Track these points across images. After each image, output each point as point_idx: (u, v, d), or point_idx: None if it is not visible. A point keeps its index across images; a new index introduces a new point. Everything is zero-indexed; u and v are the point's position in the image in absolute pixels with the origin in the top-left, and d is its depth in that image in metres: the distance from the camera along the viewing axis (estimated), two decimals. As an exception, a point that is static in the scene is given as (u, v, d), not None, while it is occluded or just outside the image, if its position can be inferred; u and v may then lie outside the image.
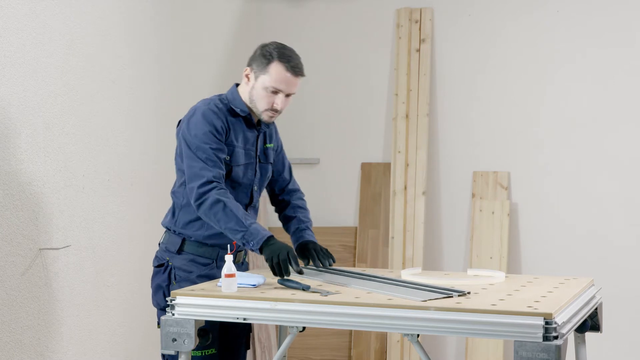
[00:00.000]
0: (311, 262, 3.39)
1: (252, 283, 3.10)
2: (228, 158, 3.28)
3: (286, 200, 3.60)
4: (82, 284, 4.05)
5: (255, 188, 3.41)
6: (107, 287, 4.24)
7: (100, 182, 4.18)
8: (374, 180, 5.64)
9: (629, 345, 5.04)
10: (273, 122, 3.48)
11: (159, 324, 3.29)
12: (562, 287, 3.07)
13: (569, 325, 2.72)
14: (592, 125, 5.14)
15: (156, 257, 3.43)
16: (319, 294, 2.94)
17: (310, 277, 3.29)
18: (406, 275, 3.32)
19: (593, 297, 3.18)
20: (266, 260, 3.12)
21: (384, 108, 5.63)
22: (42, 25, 3.78)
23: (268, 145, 3.48)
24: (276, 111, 3.30)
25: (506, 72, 5.34)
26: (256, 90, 3.28)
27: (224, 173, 3.24)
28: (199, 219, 3.30)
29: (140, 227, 4.48)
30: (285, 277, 3.10)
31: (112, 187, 4.27)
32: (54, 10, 3.85)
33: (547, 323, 2.54)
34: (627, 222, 5.05)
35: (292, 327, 3.00)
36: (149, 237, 4.48)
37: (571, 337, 3.04)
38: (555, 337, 2.54)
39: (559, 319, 2.59)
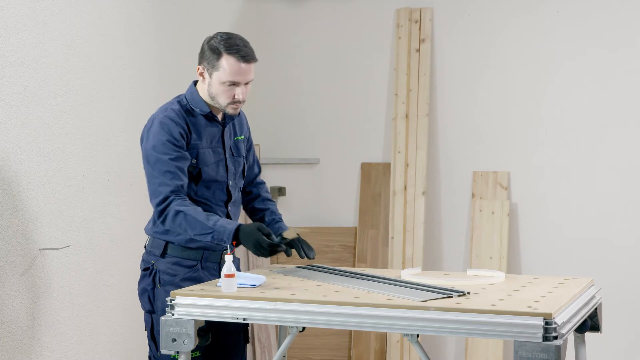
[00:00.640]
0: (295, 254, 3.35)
1: (252, 283, 3.10)
2: (194, 161, 3.27)
3: (254, 192, 3.60)
4: (82, 284, 4.05)
5: (231, 183, 3.39)
6: (107, 287, 4.24)
7: (100, 182, 4.18)
8: (374, 180, 5.64)
9: (628, 345, 5.04)
10: (240, 112, 3.45)
11: (146, 327, 3.36)
12: (562, 287, 3.07)
13: (568, 326, 2.72)
14: (592, 125, 5.14)
15: (142, 260, 3.43)
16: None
17: (309, 277, 3.30)
18: (406, 275, 3.32)
19: (593, 297, 3.18)
20: (248, 249, 3.17)
21: (384, 108, 5.63)
22: (42, 25, 3.78)
23: (238, 138, 3.46)
24: (239, 102, 3.27)
25: (506, 72, 5.34)
26: (214, 87, 3.25)
27: (184, 182, 3.22)
28: None
29: (140, 227, 4.46)
30: (273, 248, 3.15)
31: (112, 187, 4.27)
32: (54, 10, 3.86)
33: (546, 323, 2.54)
34: (627, 222, 5.05)
35: (292, 327, 3.00)
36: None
37: (571, 337, 3.04)
38: (555, 337, 2.54)
39: (558, 319, 2.59)
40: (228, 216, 3.41)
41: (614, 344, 5.01)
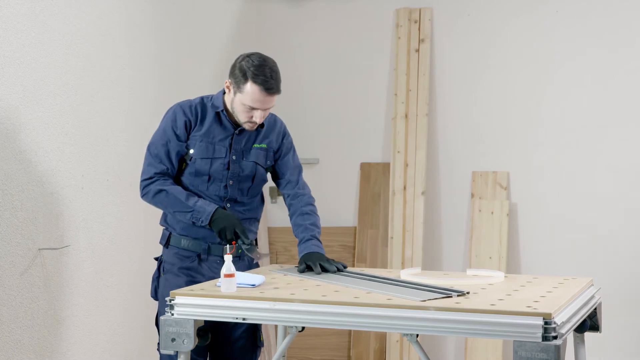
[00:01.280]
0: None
1: (252, 283, 3.10)
2: (192, 152, 3.43)
3: (294, 205, 3.63)
4: (81, 284, 4.04)
5: (231, 183, 3.46)
6: (107, 287, 4.24)
7: (100, 182, 4.18)
8: (374, 180, 5.64)
9: (628, 345, 5.04)
10: (278, 123, 3.60)
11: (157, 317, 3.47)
12: (562, 287, 3.07)
13: (568, 325, 2.72)
14: (592, 125, 5.14)
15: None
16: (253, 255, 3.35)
17: (308, 277, 3.30)
18: (405, 275, 3.32)
19: (592, 297, 3.18)
20: (217, 235, 3.36)
21: (383, 108, 5.63)
22: (41, 25, 3.78)
23: (257, 145, 3.52)
24: (255, 123, 3.40)
25: (505, 72, 5.35)
26: (235, 104, 3.39)
27: (171, 169, 3.45)
28: None
29: (139, 227, 4.48)
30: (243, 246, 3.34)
31: (112, 187, 4.27)
32: (54, 10, 3.85)
33: (546, 323, 2.54)
34: (627, 222, 5.05)
35: (291, 327, 3.00)
36: (148, 237, 4.48)
37: (570, 337, 3.04)
38: (555, 337, 2.54)
39: (558, 319, 2.59)
40: None
41: (613, 344, 5.01)
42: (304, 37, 5.77)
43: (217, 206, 3.37)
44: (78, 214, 4.02)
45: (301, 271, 3.38)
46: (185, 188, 3.46)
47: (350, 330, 5.47)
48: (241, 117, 3.38)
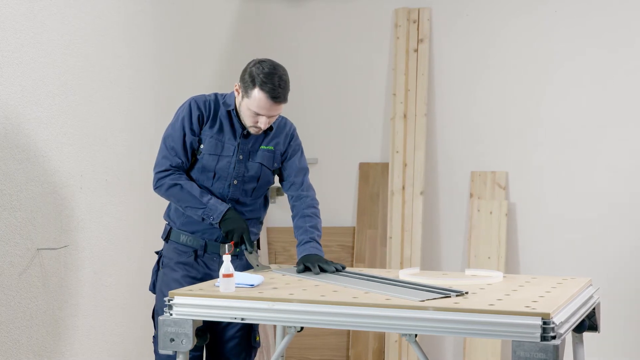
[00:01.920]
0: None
1: (250, 283, 3.10)
2: (202, 147, 3.46)
3: (297, 207, 3.64)
4: (80, 284, 4.04)
5: (235, 182, 3.48)
6: (105, 287, 4.24)
7: (99, 182, 4.18)
8: (372, 180, 5.64)
9: (626, 345, 5.05)
10: (287, 126, 3.63)
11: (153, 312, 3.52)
12: (560, 287, 3.07)
13: (566, 325, 2.72)
14: (591, 125, 5.14)
15: None
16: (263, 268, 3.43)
17: (307, 277, 3.30)
18: (404, 275, 3.32)
19: (591, 297, 3.18)
20: (224, 236, 3.42)
21: (382, 108, 5.63)
22: (40, 25, 3.78)
23: (264, 146, 3.52)
24: (260, 128, 3.42)
25: (504, 72, 5.35)
26: (242, 108, 3.42)
27: (185, 163, 3.47)
28: None
29: (138, 227, 4.48)
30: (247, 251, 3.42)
31: (110, 187, 4.27)
32: (52, 10, 3.85)
33: (544, 323, 2.55)
34: (625, 222, 5.05)
35: (290, 327, 3.00)
36: (146, 237, 4.48)
37: (569, 337, 3.05)
38: (553, 337, 2.54)
39: (556, 319, 2.59)
40: None
41: (612, 344, 5.01)
42: (303, 37, 5.77)
43: (229, 206, 3.41)
44: (77, 214, 4.02)
45: (299, 272, 3.38)
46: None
47: (349, 330, 5.47)
48: (247, 121, 3.41)
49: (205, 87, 5.03)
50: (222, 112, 3.48)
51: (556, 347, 2.51)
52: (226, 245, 3.16)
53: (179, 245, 3.51)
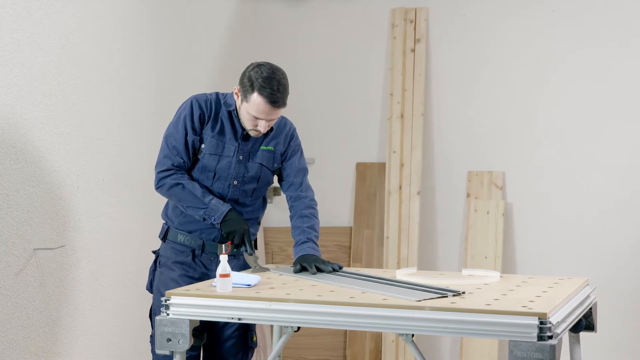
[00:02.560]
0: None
1: (247, 283, 3.10)
2: (203, 147, 3.45)
3: (295, 207, 3.64)
4: (76, 284, 4.04)
5: (235, 183, 3.48)
6: (102, 287, 4.23)
7: (95, 182, 4.17)
8: (369, 180, 5.64)
9: (623, 345, 5.05)
10: (287, 126, 3.62)
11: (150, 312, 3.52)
12: (557, 287, 3.07)
13: (563, 325, 2.72)
14: (588, 125, 5.15)
15: None
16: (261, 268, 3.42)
17: (304, 277, 3.30)
18: (401, 275, 3.32)
19: (587, 297, 3.18)
20: (225, 236, 3.41)
21: (379, 108, 5.63)
22: (37, 24, 3.77)
23: (264, 147, 3.52)
24: (260, 131, 3.42)
25: (501, 72, 5.35)
26: (241, 111, 3.41)
27: (187, 162, 3.46)
28: None
29: (135, 227, 4.48)
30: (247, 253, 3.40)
31: (107, 187, 4.26)
32: (49, 9, 3.85)
33: (541, 323, 2.55)
34: (622, 222, 5.06)
35: (287, 327, 3.00)
36: (143, 237, 4.48)
37: (566, 337, 3.05)
38: (550, 337, 2.54)
39: (553, 319, 2.59)
40: None
41: (608, 344, 5.01)
42: (300, 37, 5.77)
43: (230, 206, 3.41)
44: (73, 214, 4.01)
45: (296, 272, 3.38)
46: None
47: (345, 330, 5.47)
48: (246, 124, 3.41)
49: (202, 87, 5.03)
50: (223, 112, 3.47)
51: (553, 347, 2.51)
52: (223, 246, 3.16)
53: (176, 244, 3.51)
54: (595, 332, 3.28)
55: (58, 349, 3.92)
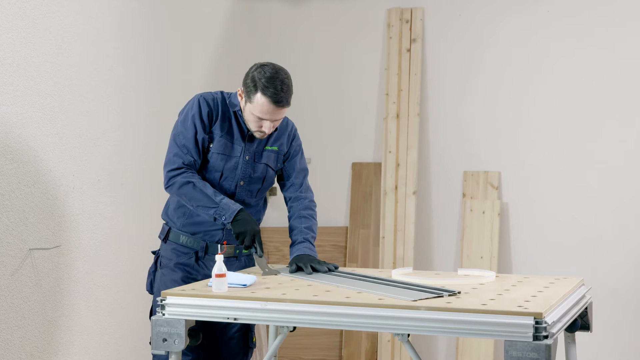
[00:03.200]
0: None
1: (243, 283, 3.10)
2: (211, 145, 3.41)
3: (294, 208, 3.63)
4: (72, 284, 4.04)
5: (242, 183, 3.47)
6: (98, 287, 4.23)
7: (91, 182, 4.17)
8: (365, 180, 5.65)
9: (618, 344, 5.06)
10: (289, 126, 3.61)
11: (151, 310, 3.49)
12: (552, 287, 3.08)
13: (559, 325, 2.72)
14: (584, 125, 5.15)
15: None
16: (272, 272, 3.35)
17: (299, 277, 3.30)
18: (397, 275, 3.32)
19: (583, 297, 3.19)
20: (235, 237, 3.34)
21: (375, 108, 5.63)
22: (32, 24, 3.77)
23: (268, 147, 3.52)
24: (265, 132, 3.39)
25: (497, 72, 5.35)
26: (245, 112, 3.40)
27: (198, 161, 3.42)
28: (182, 206, 3.47)
29: (131, 227, 4.47)
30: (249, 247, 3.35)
31: (102, 187, 4.26)
32: (44, 9, 3.84)
33: (537, 322, 2.55)
34: (618, 222, 5.06)
35: (283, 326, 3.00)
36: (139, 236, 4.48)
37: (561, 337, 3.05)
38: (545, 337, 2.55)
39: (549, 319, 2.60)
40: None
41: (604, 343, 5.02)
42: (296, 36, 5.77)
43: (241, 206, 3.35)
44: (69, 214, 4.01)
45: (292, 272, 3.38)
46: None
47: (341, 330, 5.47)
48: (251, 125, 3.39)
49: (197, 87, 5.02)
50: (229, 111, 3.45)
51: (548, 347, 2.52)
52: (219, 246, 3.16)
53: (178, 245, 3.48)
54: (591, 332, 3.29)
55: (54, 349, 3.92)
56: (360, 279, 3.23)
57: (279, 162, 3.58)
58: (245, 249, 3.34)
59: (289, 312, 2.87)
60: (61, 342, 3.97)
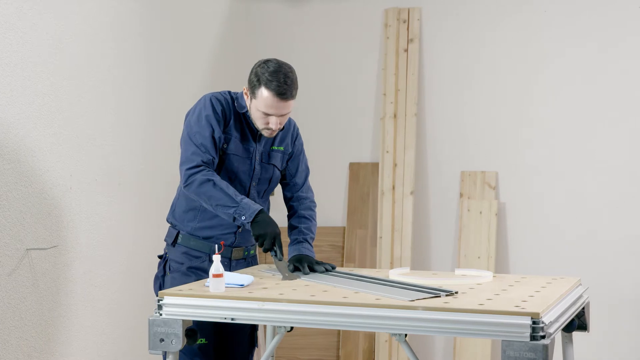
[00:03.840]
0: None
1: (240, 283, 3.10)
2: (225, 146, 3.38)
3: (294, 207, 3.62)
4: (69, 284, 4.03)
5: (254, 184, 3.46)
6: (95, 287, 4.23)
7: (88, 182, 4.17)
8: (362, 180, 5.65)
9: (615, 344, 5.06)
10: (292, 126, 3.60)
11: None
12: (550, 287, 3.08)
13: (556, 325, 2.72)
14: (580, 125, 5.15)
15: (164, 249, 3.57)
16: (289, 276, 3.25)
17: (298, 277, 3.30)
18: (394, 275, 3.32)
19: (580, 297, 3.19)
20: (254, 238, 3.25)
21: (372, 108, 5.63)
22: (29, 24, 3.76)
23: (275, 147, 3.51)
24: (272, 129, 3.36)
25: (494, 72, 5.36)
26: (252, 110, 3.37)
27: (216, 159, 3.35)
28: (193, 209, 3.42)
29: (128, 227, 4.47)
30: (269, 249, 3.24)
31: (100, 187, 4.26)
32: (42, 9, 3.84)
33: (534, 322, 2.55)
34: (614, 222, 5.07)
35: (280, 326, 3.00)
36: (136, 237, 4.48)
37: (558, 337, 3.05)
38: (543, 337, 2.55)
39: (546, 319, 2.60)
40: None
41: (601, 343, 5.02)
42: (293, 37, 5.77)
43: (261, 207, 3.27)
44: (66, 214, 4.01)
45: (290, 271, 3.37)
46: None
47: (339, 330, 5.47)
48: (258, 123, 3.36)
49: (195, 87, 5.03)
50: (239, 113, 3.43)
51: (545, 347, 2.52)
52: (216, 246, 3.15)
53: (189, 249, 3.43)
54: (588, 332, 3.29)
55: (51, 349, 3.91)
56: (357, 279, 3.23)
57: (284, 162, 3.57)
58: (264, 251, 3.25)
59: (286, 312, 2.87)
60: (58, 342, 3.96)
